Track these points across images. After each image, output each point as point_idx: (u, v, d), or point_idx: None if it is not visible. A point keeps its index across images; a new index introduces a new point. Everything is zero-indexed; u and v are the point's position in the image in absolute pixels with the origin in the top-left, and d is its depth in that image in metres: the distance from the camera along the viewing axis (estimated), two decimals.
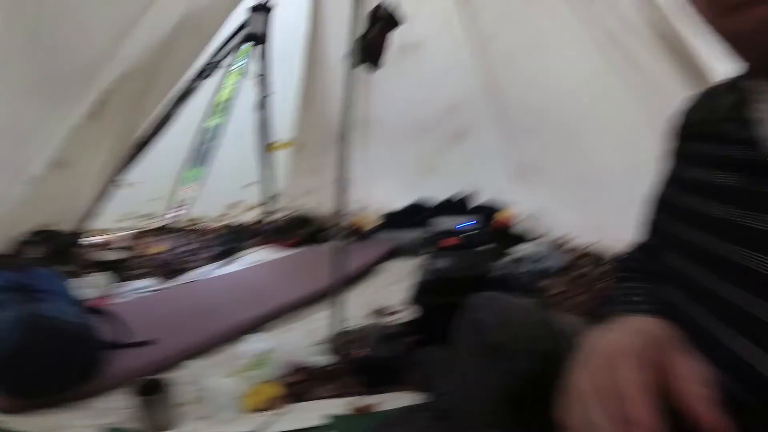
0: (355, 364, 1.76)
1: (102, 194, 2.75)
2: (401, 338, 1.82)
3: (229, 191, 3.70)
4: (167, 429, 1.54)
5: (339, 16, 2.34)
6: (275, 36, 3.17)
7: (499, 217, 3.20)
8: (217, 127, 3.44)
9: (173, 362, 1.83)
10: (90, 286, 2.37)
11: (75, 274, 2.46)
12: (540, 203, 3.03)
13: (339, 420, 1.51)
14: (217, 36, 2.80)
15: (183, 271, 2.90)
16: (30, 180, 2.28)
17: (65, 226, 2.70)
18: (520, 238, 2.96)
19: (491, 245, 2.42)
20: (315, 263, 2.64)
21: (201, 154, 3.47)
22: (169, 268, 2.91)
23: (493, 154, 3.16)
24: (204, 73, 2.95)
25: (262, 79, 3.29)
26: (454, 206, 3.41)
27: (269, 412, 1.60)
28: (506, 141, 3.08)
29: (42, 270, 1.83)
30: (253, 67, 3.27)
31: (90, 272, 2.51)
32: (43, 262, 2.44)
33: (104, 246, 3.02)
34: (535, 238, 2.94)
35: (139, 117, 2.59)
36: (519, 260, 2.59)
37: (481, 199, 3.42)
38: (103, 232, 3.16)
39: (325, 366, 1.83)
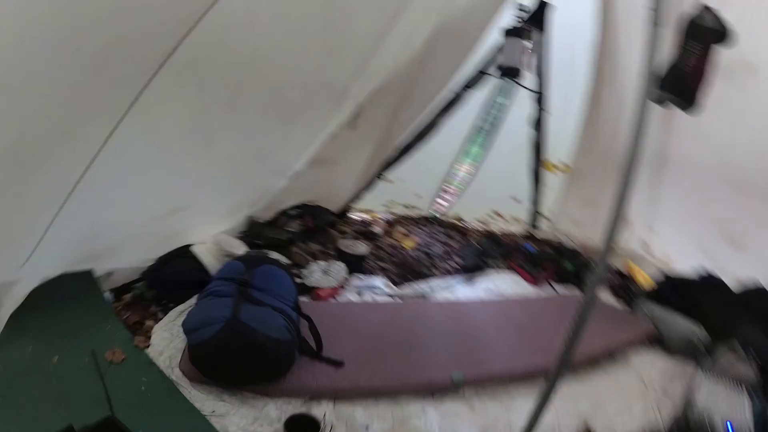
0: None
1: (363, 187, 2.91)
2: None
3: (493, 199, 3.51)
4: None
5: (638, 21, 1.64)
6: (555, 44, 2.72)
7: None
8: (502, 106, 3.20)
9: (351, 395, 1.80)
10: (325, 273, 2.52)
11: (319, 255, 2.66)
12: None
13: None
14: (479, 46, 2.56)
15: (421, 275, 2.87)
16: (294, 174, 2.52)
17: (328, 205, 2.95)
18: None
19: None
20: (552, 320, 2.29)
21: (485, 126, 3.28)
22: (409, 269, 2.92)
23: None
24: (471, 84, 2.74)
25: (539, 95, 2.92)
26: (760, 304, 2.44)
27: None
28: None
29: (269, 267, 1.99)
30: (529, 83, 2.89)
31: (332, 258, 2.66)
32: (299, 236, 2.73)
33: (360, 227, 3.19)
34: None
35: (396, 126, 2.59)
36: None
37: None
38: (364, 211, 3.36)
39: None
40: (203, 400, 1.72)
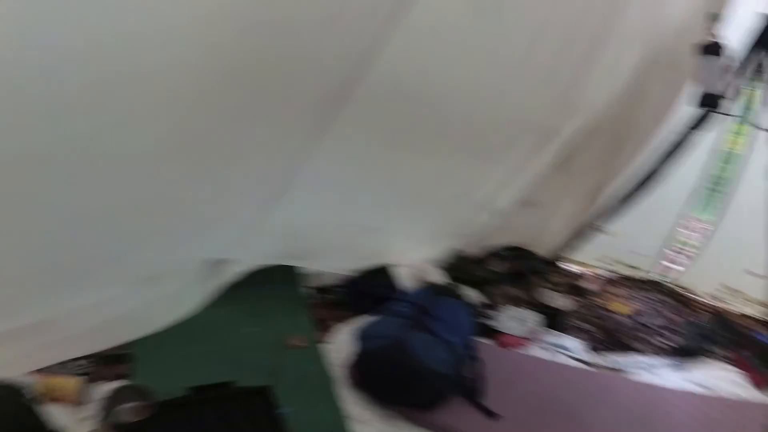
0: None
1: (576, 236, 2.69)
2: None
3: (726, 271, 2.81)
4: None
5: None
6: None
7: None
8: (724, 179, 2.62)
9: None
10: (516, 320, 2.41)
11: (516, 301, 2.55)
12: None
13: None
14: None
15: (625, 347, 2.51)
16: (497, 213, 2.49)
17: (539, 251, 2.81)
18: None
19: None
20: None
21: (717, 178, 2.68)
22: (612, 336, 2.59)
23: None
24: (697, 124, 2.23)
25: None
26: None
27: None
28: None
29: (454, 301, 2.01)
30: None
31: (529, 307, 2.52)
32: (501, 277, 2.66)
33: (569, 279, 2.95)
34: None
35: (611, 171, 2.31)
36: None
37: None
38: (576, 263, 3.09)
39: None
40: (352, 404, 1.82)
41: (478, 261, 2.81)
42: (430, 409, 1.78)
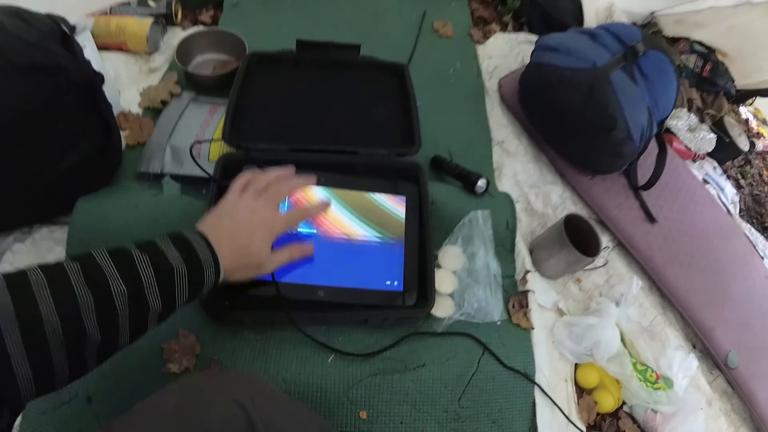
0: None
1: None
2: None
3: None
4: None
5: None
6: None
7: None
8: None
9: (632, 254, 1.31)
10: (690, 130, 1.86)
11: (694, 109, 1.98)
12: None
13: None
14: None
15: (761, 228, 2.04)
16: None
17: (737, 74, 2.13)
18: None
19: None
20: None
21: None
22: (757, 209, 2.11)
23: None
24: None
25: None
26: None
27: None
28: None
29: (666, 62, 1.38)
30: None
31: (706, 124, 1.96)
32: (688, 73, 2.04)
33: (743, 126, 2.36)
34: None
35: None
36: None
37: None
38: (758, 116, 2.47)
39: None
40: (499, 124, 1.41)
41: (670, 41, 2.15)
42: (592, 170, 1.36)
